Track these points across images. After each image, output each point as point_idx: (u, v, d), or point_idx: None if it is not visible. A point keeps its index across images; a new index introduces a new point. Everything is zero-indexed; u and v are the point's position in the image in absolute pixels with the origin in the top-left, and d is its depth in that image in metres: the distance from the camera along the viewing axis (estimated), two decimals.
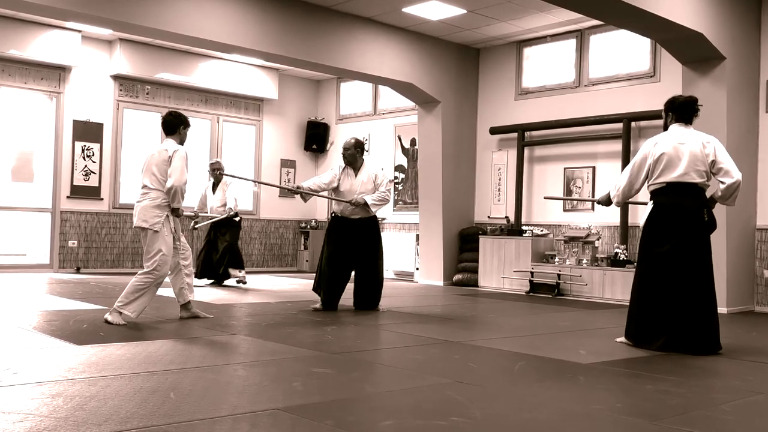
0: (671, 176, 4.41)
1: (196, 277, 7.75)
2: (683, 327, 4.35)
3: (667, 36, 6.52)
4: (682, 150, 4.41)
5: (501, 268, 8.74)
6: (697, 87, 6.81)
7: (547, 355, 4.15)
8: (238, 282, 8.01)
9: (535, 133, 9.09)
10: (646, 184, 4.59)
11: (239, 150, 11.06)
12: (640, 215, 6.97)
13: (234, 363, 3.66)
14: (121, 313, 4.79)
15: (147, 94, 10.06)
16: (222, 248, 7.90)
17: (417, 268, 9.86)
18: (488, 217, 9.53)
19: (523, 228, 8.88)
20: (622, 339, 4.68)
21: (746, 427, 2.78)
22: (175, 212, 4.98)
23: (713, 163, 4.42)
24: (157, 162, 4.95)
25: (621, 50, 8.32)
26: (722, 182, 4.43)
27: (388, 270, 10.49)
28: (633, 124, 8.06)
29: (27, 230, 9.29)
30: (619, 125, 8.12)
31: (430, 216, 9.46)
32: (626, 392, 3.34)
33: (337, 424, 2.53)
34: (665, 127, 4.63)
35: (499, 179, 9.50)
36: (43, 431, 2.33)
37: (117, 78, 9.79)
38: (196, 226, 8.13)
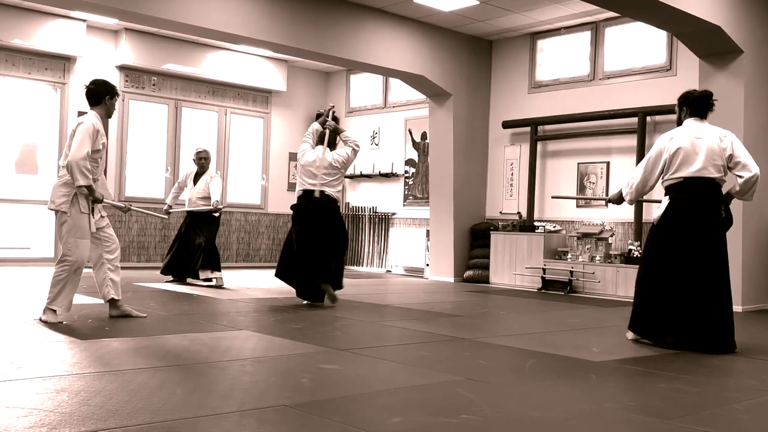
0: (688, 171, 4.35)
1: (161, 272, 7.46)
2: (696, 325, 4.28)
3: (684, 29, 6.43)
4: (699, 144, 4.35)
5: (512, 265, 8.67)
6: (714, 81, 6.73)
7: (559, 353, 4.11)
8: (216, 286, 7.12)
9: (548, 127, 9.01)
10: (660, 180, 4.52)
11: (247, 143, 11.03)
12: (654, 211, 6.88)
13: (241, 359, 3.62)
14: (55, 310, 4.44)
15: (153, 85, 10.01)
16: (197, 246, 7.15)
17: (427, 264, 9.80)
18: (500, 212, 9.45)
19: (536, 224, 8.81)
20: (632, 335, 4.61)
21: (761, 426, 2.74)
22: (90, 194, 4.49)
23: (731, 157, 4.36)
24: (70, 137, 4.52)
25: (637, 43, 8.21)
26: (740, 176, 4.36)
27: (398, 266, 10.46)
28: (648, 118, 7.97)
29: (31, 223, 9.19)
30: (634, 120, 8.02)
31: (440, 211, 9.40)
32: (638, 391, 3.29)
33: (345, 421, 2.50)
34: (679, 122, 4.58)
35: (512, 174, 9.42)
36: (47, 426, 2.31)
37: (123, 69, 9.73)
38: (170, 211, 7.35)
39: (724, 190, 4.46)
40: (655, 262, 4.46)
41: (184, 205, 7.52)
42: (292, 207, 6.12)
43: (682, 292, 4.32)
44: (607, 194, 8.14)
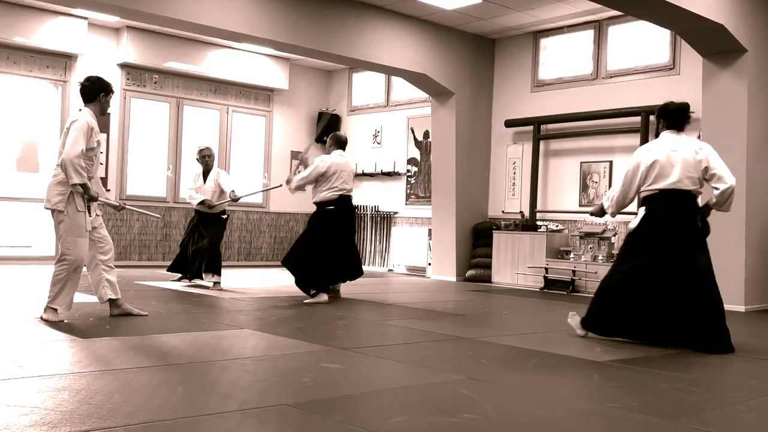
0: (664, 183, 4.41)
1: (168, 270, 7.45)
2: (675, 326, 4.33)
3: (688, 27, 6.41)
4: (675, 157, 4.41)
5: (515, 264, 8.65)
6: (718, 80, 6.71)
7: (561, 353, 4.10)
8: (213, 287, 6.94)
9: (551, 126, 8.98)
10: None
11: (249, 141, 11.01)
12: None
13: (243, 357, 3.61)
14: (55, 309, 4.40)
15: (155, 83, 10.00)
16: (201, 247, 7.03)
17: (429, 264, 9.79)
18: (502, 211, 9.43)
19: (538, 223, 8.79)
20: (577, 320, 4.66)
21: (764, 426, 2.74)
22: (86, 192, 4.41)
23: (706, 169, 4.42)
24: (64, 134, 4.44)
25: (640, 42, 8.19)
26: (716, 188, 4.43)
27: (400, 265, 10.44)
28: (651, 117, 7.91)
29: (32, 221, 9.12)
30: (637, 119, 8.00)
31: (443, 210, 9.38)
32: (641, 391, 3.27)
33: (346, 420, 2.49)
34: (657, 134, 4.64)
35: (514, 173, 9.40)
36: (48, 424, 2.30)
37: (124, 67, 9.70)
38: (237, 197, 7.10)
39: (702, 201, 4.50)
40: (628, 267, 4.48)
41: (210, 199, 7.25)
42: (332, 210, 6.30)
43: (656, 295, 4.35)
44: None
